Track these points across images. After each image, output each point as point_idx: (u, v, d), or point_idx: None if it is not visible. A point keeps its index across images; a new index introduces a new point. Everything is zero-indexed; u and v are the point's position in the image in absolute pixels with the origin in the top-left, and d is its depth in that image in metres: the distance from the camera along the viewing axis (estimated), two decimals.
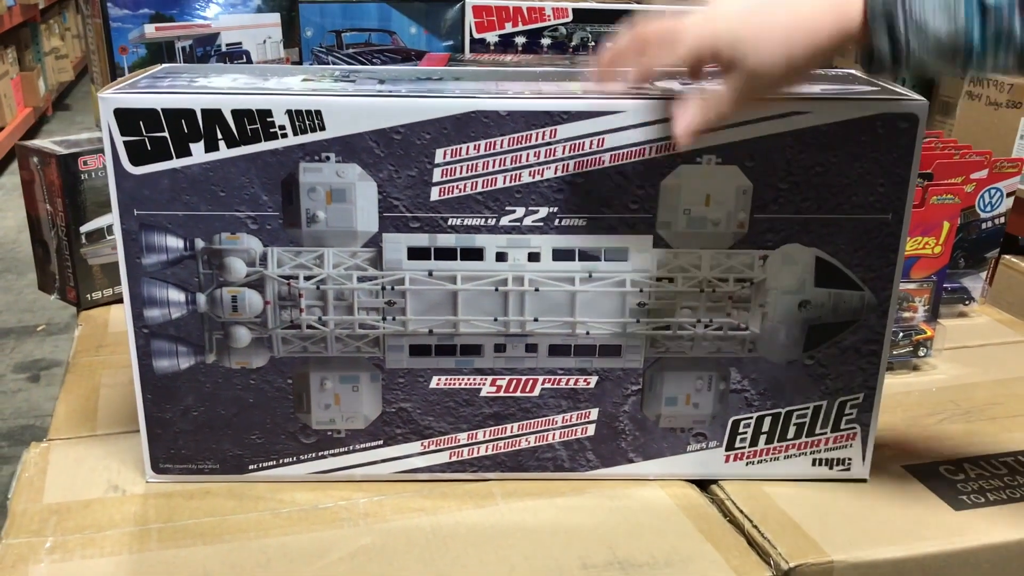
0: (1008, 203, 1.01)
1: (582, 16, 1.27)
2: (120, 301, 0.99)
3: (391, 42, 1.16)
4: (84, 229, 0.97)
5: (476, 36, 1.25)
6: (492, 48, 1.27)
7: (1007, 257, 1.82)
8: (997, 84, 1.83)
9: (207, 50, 1.02)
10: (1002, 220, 1.02)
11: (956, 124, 1.94)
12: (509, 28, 1.27)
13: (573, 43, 1.28)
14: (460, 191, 0.64)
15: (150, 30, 0.98)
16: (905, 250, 0.67)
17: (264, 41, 1.06)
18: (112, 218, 0.95)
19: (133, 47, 0.98)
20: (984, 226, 1.01)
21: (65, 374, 0.86)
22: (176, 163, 0.63)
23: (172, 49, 1.00)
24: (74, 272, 0.98)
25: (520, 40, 1.29)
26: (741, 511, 0.68)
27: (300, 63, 1.10)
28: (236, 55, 1.04)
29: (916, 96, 0.64)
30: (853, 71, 0.72)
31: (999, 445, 0.77)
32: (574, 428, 0.70)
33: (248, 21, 1.04)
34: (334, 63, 1.13)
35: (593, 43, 1.28)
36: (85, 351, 0.90)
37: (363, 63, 1.14)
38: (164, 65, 0.72)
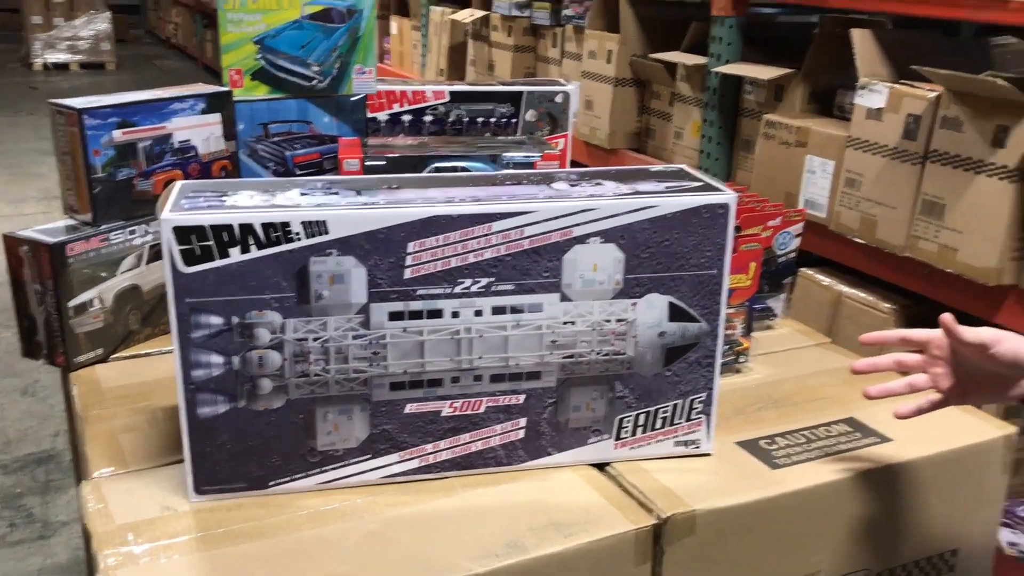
0: (796, 242, 1.35)
1: (457, 97, 1.54)
2: (102, 361, 1.20)
3: (308, 130, 1.39)
4: (71, 303, 1.16)
5: (368, 116, 1.50)
6: (383, 125, 1.52)
7: (803, 269, 2.22)
8: (787, 127, 2.23)
9: (163, 147, 1.23)
10: (793, 255, 1.36)
11: (756, 159, 2.33)
12: (397, 108, 1.53)
13: (451, 119, 1.55)
14: (425, 271, 0.90)
15: (118, 135, 1.18)
16: (727, 292, 0.98)
17: (208, 137, 1.28)
18: (95, 293, 1.16)
19: (104, 149, 1.17)
20: (780, 260, 1.35)
21: (84, 426, 1.05)
22: (218, 263, 0.85)
23: (135, 149, 1.20)
24: (63, 339, 1.16)
25: (406, 118, 1.55)
26: (629, 482, 0.97)
27: (237, 152, 1.31)
28: (186, 150, 1.25)
29: (729, 191, 0.95)
30: (683, 167, 1.03)
31: (799, 422, 1.10)
32: (509, 433, 0.97)
33: (195, 122, 1.26)
34: (263, 149, 1.35)
35: (467, 119, 1.56)
36: (91, 406, 1.09)
37: (286, 147, 1.37)
38: (185, 182, 0.94)
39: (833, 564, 1.01)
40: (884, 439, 1.05)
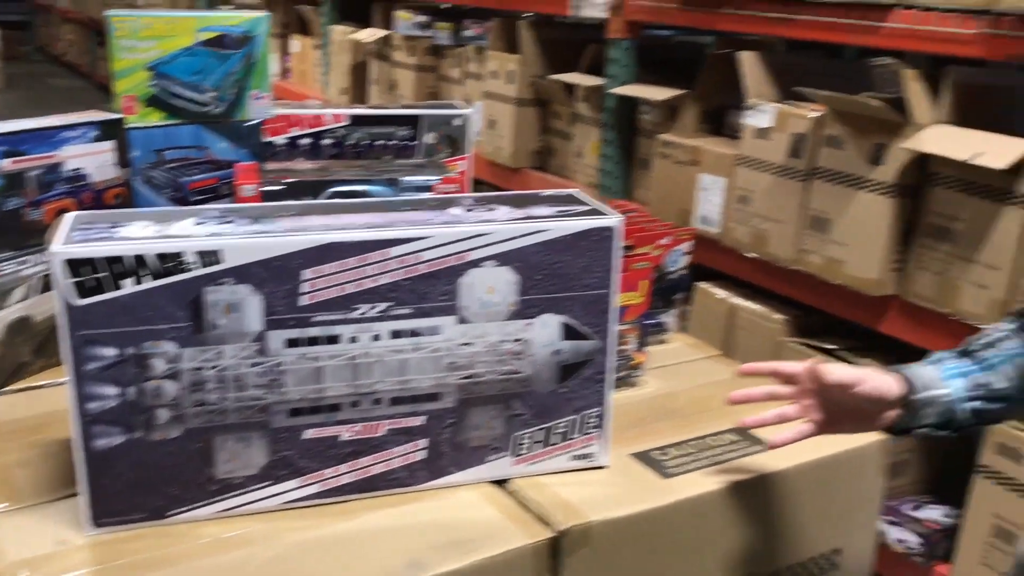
0: (686, 260, 1.40)
1: (358, 120, 1.55)
2: None
3: (204, 156, 1.39)
4: None
5: (266, 139, 1.50)
6: (281, 149, 1.53)
7: (699, 283, 2.29)
8: (681, 146, 2.30)
9: (54, 176, 1.22)
10: (684, 272, 1.41)
11: (653, 178, 2.40)
12: (295, 132, 1.53)
13: (350, 142, 1.56)
14: (322, 297, 0.91)
15: (6, 164, 1.16)
16: (617, 310, 1.02)
17: (101, 165, 1.26)
18: None
19: None
20: (671, 277, 1.40)
21: None
22: (111, 295, 0.85)
23: (23, 178, 1.18)
24: None
25: (305, 142, 1.55)
26: (528, 497, 0.99)
27: (131, 179, 1.30)
28: (78, 178, 1.24)
29: (615, 215, 0.99)
30: (573, 192, 1.07)
31: (690, 433, 1.14)
32: (409, 455, 0.99)
33: (87, 150, 1.24)
34: (159, 176, 1.34)
35: (367, 142, 1.57)
36: None
37: (182, 173, 1.37)
38: (78, 214, 0.93)
39: (725, 567, 1.06)
40: None
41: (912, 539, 1.86)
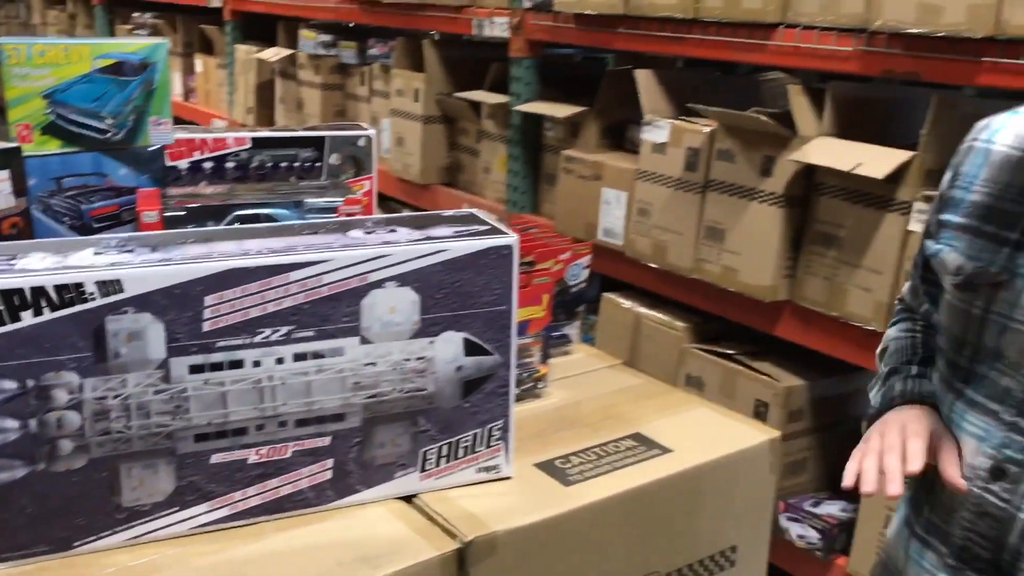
0: (586, 273, 1.45)
1: (260, 143, 1.56)
2: None
3: (105, 183, 1.38)
4: None
5: (169, 164, 1.50)
6: (184, 173, 1.53)
7: (606, 294, 2.35)
8: (583, 161, 2.36)
9: None
10: (584, 285, 1.46)
11: (558, 192, 2.46)
12: (198, 156, 1.53)
13: (254, 165, 1.57)
14: (224, 323, 0.92)
15: None
16: (517, 326, 1.05)
17: None
18: None
19: None
20: (573, 290, 1.44)
21: None
22: (9, 327, 0.85)
23: None
24: None
25: (208, 166, 1.55)
26: (434, 511, 1.02)
27: (29, 208, 1.29)
28: None
29: (512, 234, 1.03)
30: (473, 211, 1.10)
31: (592, 440, 1.18)
32: (317, 475, 1.01)
33: None
34: (58, 204, 1.33)
35: (270, 164, 1.58)
36: None
37: (82, 200, 1.36)
38: None
39: (627, 569, 1.10)
40: (666, 450, 1.15)
41: (812, 534, 1.94)
